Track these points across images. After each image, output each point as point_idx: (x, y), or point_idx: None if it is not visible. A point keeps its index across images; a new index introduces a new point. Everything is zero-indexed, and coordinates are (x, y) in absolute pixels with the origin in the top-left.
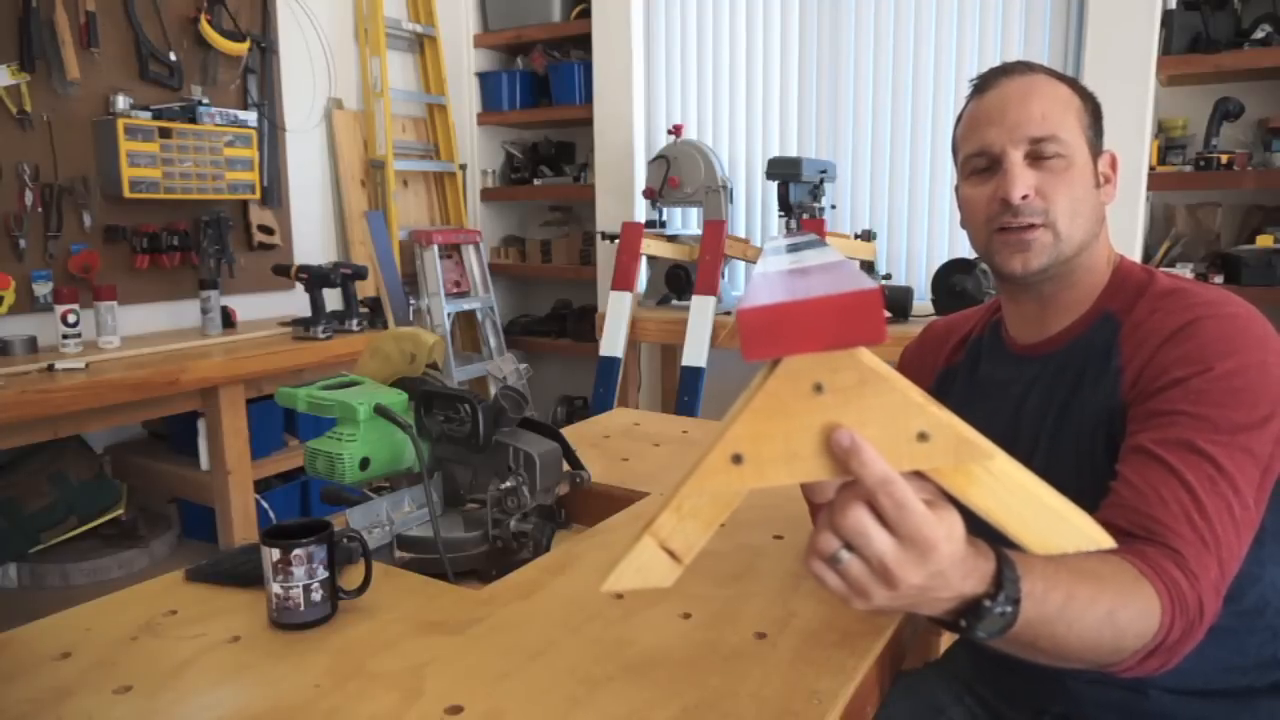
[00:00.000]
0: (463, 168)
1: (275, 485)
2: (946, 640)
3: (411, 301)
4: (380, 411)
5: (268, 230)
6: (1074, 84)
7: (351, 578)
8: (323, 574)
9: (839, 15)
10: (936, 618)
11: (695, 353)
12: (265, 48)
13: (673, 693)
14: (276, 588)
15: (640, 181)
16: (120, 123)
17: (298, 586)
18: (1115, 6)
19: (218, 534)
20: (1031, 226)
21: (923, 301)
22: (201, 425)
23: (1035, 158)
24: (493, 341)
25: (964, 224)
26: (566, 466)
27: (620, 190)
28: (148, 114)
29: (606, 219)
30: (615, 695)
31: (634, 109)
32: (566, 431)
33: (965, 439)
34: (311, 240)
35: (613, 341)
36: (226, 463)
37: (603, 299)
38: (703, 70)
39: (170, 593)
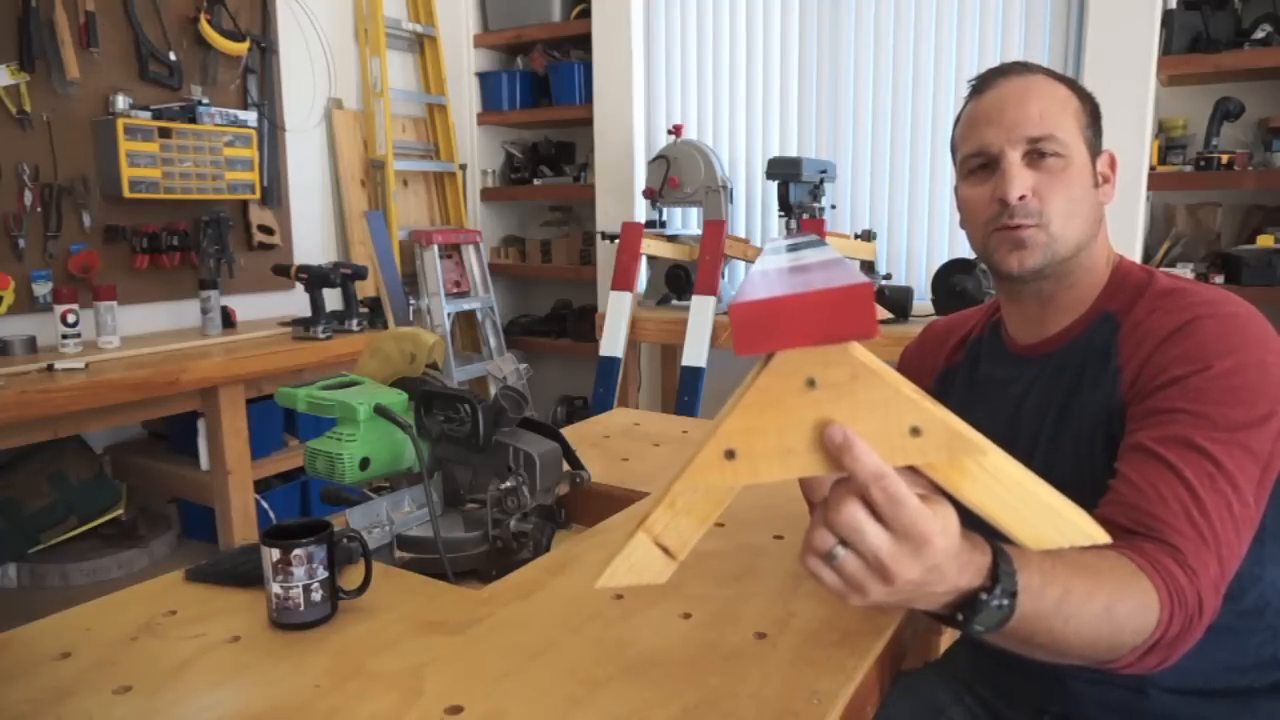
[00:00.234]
0: (463, 168)
1: (275, 485)
2: (946, 640)
3: (411, 301)
4: (380, 411)
5: (268, 230)
6: (1072, 84)
7: (351, 578)
8: (323, 574)
9: (839, 15)
10: (933, 612)
11: (695, 353)
12: (265, 48)
13: (673, 693)
14: (276, 588)
15: (640, 181)
16: (120, 123)
17: (298, 586)
18: (1115, 6)
19: (218, 534)
20: (1028, 226)
21: (923, 301)
22: (201, 425)
23: (1033, 158)
24: (493, 341)
25: (963, 224)
26: (566, 466)
27: (620, 190)
28: (147, 114)
29: (606, 219)
30: (615, 695)
31: (634, 109)
32: (566, 431)
33: (958, 434)
34: (311, 240)
35: (613, 341)
36: (226, 463)
37: (603, 299)
38: (703, 70)
39: (170, 593)
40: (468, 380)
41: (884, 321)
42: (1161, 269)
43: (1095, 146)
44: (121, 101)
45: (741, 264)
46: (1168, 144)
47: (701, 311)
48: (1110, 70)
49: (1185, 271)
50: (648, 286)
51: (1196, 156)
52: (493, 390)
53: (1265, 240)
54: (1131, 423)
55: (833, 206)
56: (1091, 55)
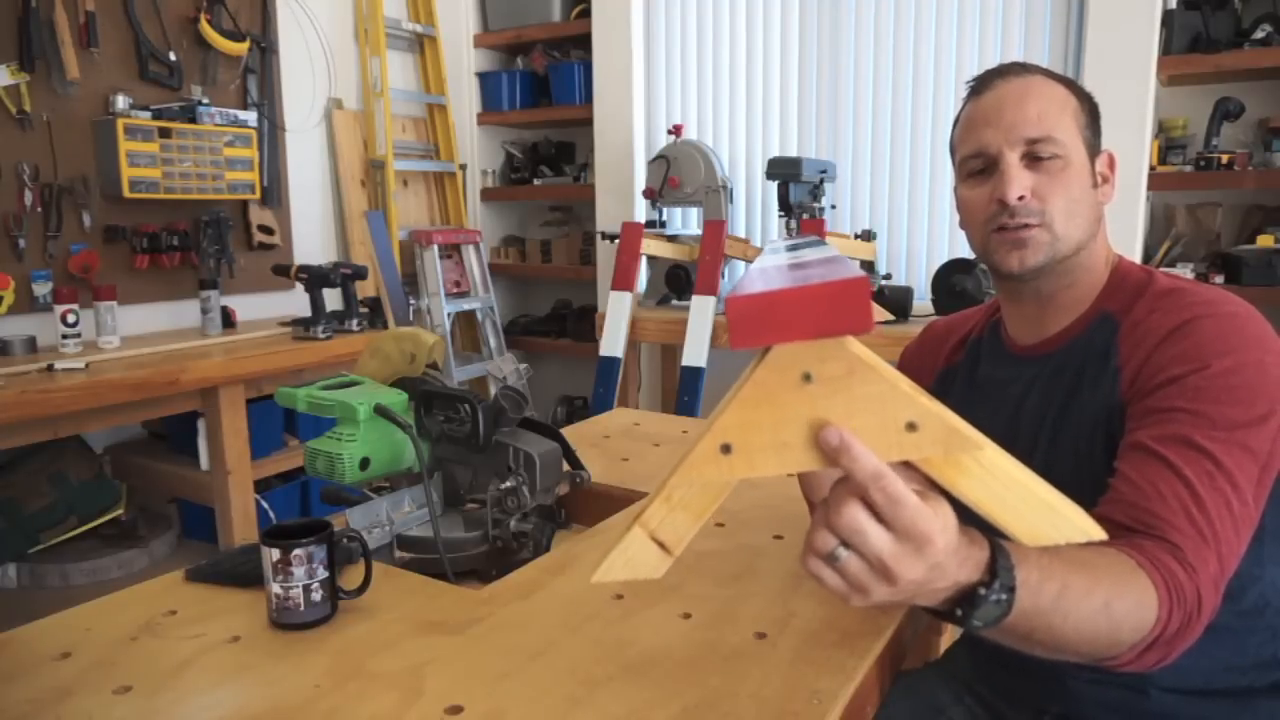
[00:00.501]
0: (463, 168)
1: (275, 485)
2: (947, 640)
3: (411, 301)
4: (380, 411)
5: (268, 230)
6: (1071, 84)
7: (351, 578)
8: (323, 574)
9: (839, 15)
10: (933, 609)
11: (695, 353)
12: (265, 48)
13: (673, 693)
14: (276, 588)
15: (640, 181)
16: (120, 123)
17: (298, 586)
18: (1115, 6)
19: (218, 534)
20: (1028, 226)
21: (923, 301)
22: (201, 425)
23: (1032, 158)
24: (493, 341)
25: (962, 225)
26: (566, 466)
27: (620, 190)
28: (147, 114)
29: (606, 219)
30: (615, 695)
31: (634, 109)
32: (566, 431)
33: (954, 429)
34: (311, 240)
35: (613, 341)
36: (226, 463)
37: (603, 299)
38: (703, 70)
39: (170, 593)
40: (468, 380)
41: (884, 322)
42: (1161, 269)
43: (1094, 147)
44: (121, 101)
45: (741, 264)
46: (1168, 144)
47: (701, 311)
48: (1110, 70)
49: (1185, 271)
50: (648, 286)
51: (1196, 156)
52: (493, 390)
53: (1265, 240)
54: (1131, 422)
55: (833, 206)
56: (1091, 55)
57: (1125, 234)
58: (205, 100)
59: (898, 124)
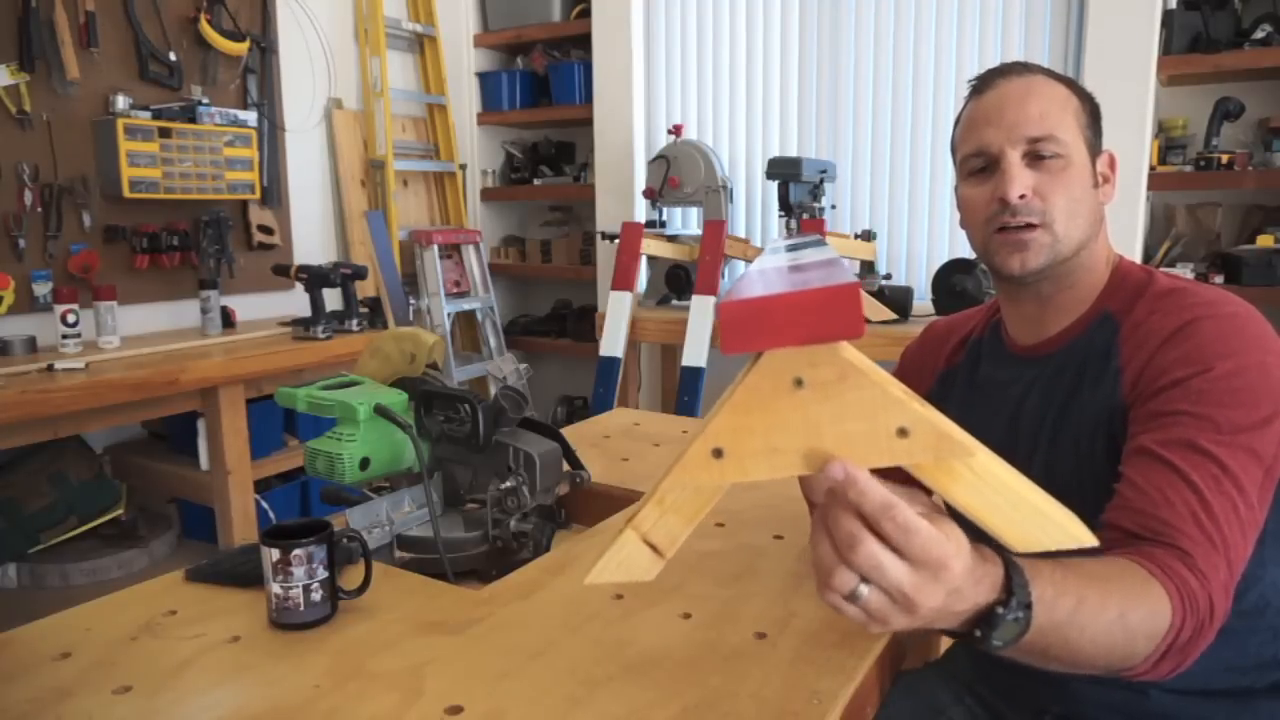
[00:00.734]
0: (463, 168)
1: (275, 485)
2: (947, 640)
3: (411, 301)
4: (380, 411)
5: (267, 230)
6: (1072, 84)
7: (351, 578)
8: (323, 574)
9: (839, 15)
10: (951, 630)
11: (695, 353)
12: (265, 48)
13: (673, 693)
14: (276, 588)
15: (640, 181)
16: (120, 123)
17: (298, 586)
18: (1115, 6)
19: (218, 534)
20: (1029, 226)
21: (923, 301)
22: (201, 425)
23: (1033, 158)
24: (493, 341)
25: (963, 224)
26: (566, 466)
27: (620, 190)
28: (147, 114)
29: (606, 219)
30: (615, 695)
31: (634, 109)
32: (566, 431)
33: (945, 435)
34: (311, 240)
35: (613, 341)
36: (226, 463)
37: (603, 299)
38: (703, 70)
39: (170, 593)
40: (468, 380)
41: (884, 322)
42: (1161, 269)
43: (1095, 146)
44: (121, 101)
45: (741, 264)
46: (1168, 144)
47: (701, 311)
48: (1110, 70)
49: (1185, 271)
50: (648, 286)
51: (1196, 156)
52: (493, 390)
53: (1265, 240)
54: (1134, 425)
55: (833, 206)
56: (1091, 55)
57: (1125, 234)
58: (205, 100)
59: (898, 124)
